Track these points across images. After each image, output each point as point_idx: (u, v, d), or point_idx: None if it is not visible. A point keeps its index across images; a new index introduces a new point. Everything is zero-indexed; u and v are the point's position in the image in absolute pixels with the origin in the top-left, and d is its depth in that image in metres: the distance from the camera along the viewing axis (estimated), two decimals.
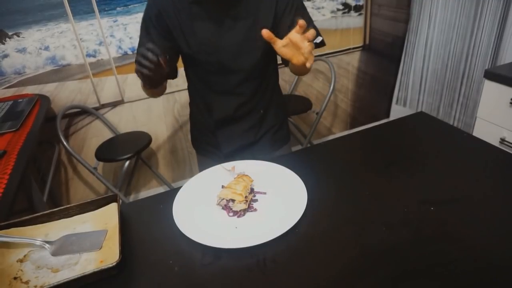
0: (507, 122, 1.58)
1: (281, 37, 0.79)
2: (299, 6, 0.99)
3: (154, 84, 0.90)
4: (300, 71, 1.02)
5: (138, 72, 0.82)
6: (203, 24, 0.93)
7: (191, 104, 1.18)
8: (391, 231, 0.69)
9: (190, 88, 1.14)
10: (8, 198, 0.93)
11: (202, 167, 1.18)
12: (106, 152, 1.86)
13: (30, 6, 1.65)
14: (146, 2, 0.99)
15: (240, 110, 1.08)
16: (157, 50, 0.78)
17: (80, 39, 1.79)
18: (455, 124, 2.37)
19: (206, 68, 1.01)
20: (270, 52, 0.99)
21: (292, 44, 0.75)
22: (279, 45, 0.77)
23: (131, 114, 2.05)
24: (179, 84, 1.12)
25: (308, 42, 0.73)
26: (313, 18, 1.02)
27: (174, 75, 1.06)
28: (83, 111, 1.93)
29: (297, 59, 0.76)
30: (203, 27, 0.93)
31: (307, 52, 0.73)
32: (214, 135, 1.13)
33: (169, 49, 0.97)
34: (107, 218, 0.77)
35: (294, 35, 0.74)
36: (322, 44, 0.95)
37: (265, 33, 0.74)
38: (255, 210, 0.78)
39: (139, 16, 1.85)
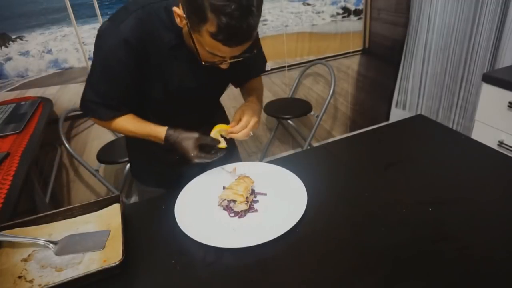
0: (505, 125, 1.59)
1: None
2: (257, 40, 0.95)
3: None
4: None
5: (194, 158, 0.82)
6: (182, 66, 0.85)
7: (144, 146, 0.97)
8: (389, 231, 0.70)
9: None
10: (12, 199, 0.94)
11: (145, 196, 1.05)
12: (107, 154, 1.87)
13: (34, 10, 1.67)
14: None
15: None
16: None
17: (83, 42, 1.81)
18: (454, 127, 2.38)
19: (179, 105, 0.93)
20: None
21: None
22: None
23: None
24: None
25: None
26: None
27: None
28: None
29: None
30: (183, 69, 0.85)
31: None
32: (176, 170, 0.97)
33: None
34: (110, 218, 0.78)
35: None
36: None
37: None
38: (256, 210, 0.79)
39: None
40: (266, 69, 1.04)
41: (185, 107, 0.94)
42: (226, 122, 1.08)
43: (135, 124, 0.88)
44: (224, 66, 0.77)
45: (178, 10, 0.70)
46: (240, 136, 0.86)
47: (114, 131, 0.83)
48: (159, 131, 0.84)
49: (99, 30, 0.80)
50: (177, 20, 0.73)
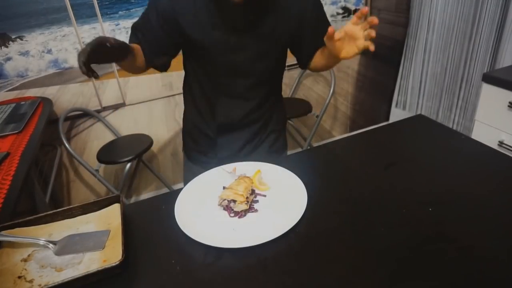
0: (505, 125, 1.59)
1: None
2: (319, 16, 0.98)
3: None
4: (331, 65, 1.00)
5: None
6: (222, 25, 0.90)
7: (189, 108, 1.13)
8: (389, 231, 0.70)
9: (191, 90, 1.09)
10: (12, 199, 0.94)
11: (189, 173, 1.17)
12: (107, 154, 1.87)
13: (34, 10, 1.67)
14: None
15: (246, 117, 1.06)
16: (85, 68, 0.71)
17: (83, 42, 1.81)
18: (454, 127, 2.38)
19: (217, 69, 0.98)
20: (283, 57, 1.04)
21: (348, 37, 0.77)
22: (336, 38, 0.77)
23: (132, 117, 2.06)
24: (179, 87, 1.13)
25: (370, 27, 0.75)
26: None
27: (164, 68, 1.02)
28: (85, 114, 1.95)
29: (347, 52, 0.80)
30: (222, 28, 0.90)
31: (368, 40, 0.76)
32: (213, 141, 1.10)
33: (164, 45, 0.95)
34: (110, 218, 0.78)
35: (350, 27, 0.76)
36: None
37: (330, 29, 0.76)
38: (256, 210, 0.79)
39: None
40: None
41: (233, 73, 0.96)
42: (281, 123, 1.15)
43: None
44: None
45: None
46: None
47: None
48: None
49: None
50: None
